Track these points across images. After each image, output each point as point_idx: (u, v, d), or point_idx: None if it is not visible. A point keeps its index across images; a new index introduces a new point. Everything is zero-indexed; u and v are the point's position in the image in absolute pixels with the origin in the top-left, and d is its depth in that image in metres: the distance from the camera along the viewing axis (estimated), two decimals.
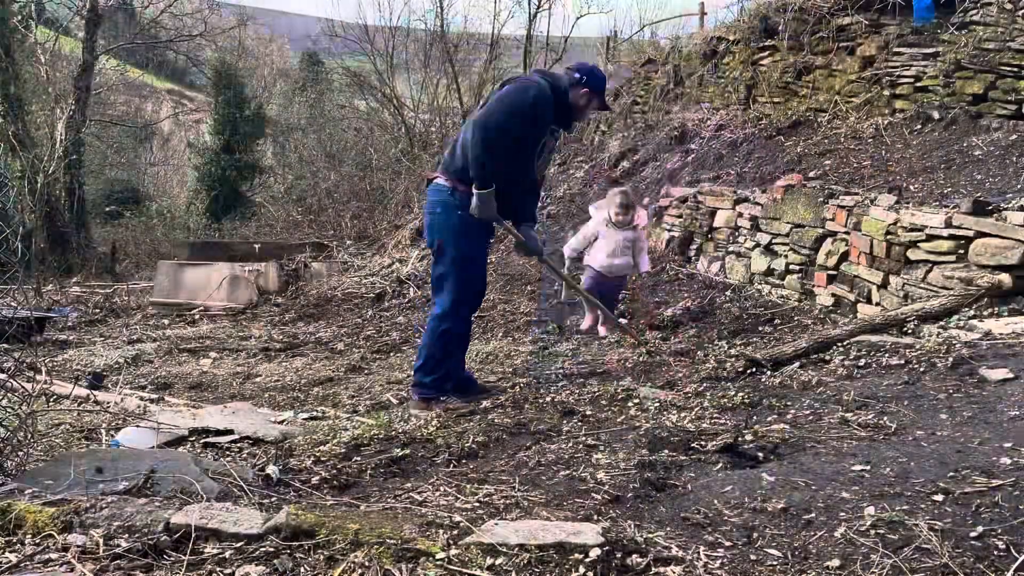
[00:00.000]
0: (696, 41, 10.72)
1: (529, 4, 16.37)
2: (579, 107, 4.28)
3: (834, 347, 4.10)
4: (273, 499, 2.54)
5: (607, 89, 4.29)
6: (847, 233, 5.23)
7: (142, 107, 30.92)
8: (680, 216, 7.21)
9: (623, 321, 5.88)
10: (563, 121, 4.31)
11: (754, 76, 8.96)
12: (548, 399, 3.90)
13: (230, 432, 3.80)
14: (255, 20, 33.30)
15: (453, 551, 1.87)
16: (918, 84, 7.12)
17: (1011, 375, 3.27)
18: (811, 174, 6.63)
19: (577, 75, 4.24)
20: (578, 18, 29.73)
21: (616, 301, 6.06)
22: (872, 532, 2.03)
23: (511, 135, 4.04)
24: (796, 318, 5.31)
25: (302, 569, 1.83)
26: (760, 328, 5.27)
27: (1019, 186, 5.35)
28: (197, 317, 9.06)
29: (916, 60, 7.23)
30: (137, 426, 3.87)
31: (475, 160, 4.02)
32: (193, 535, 1.96)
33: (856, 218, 5.16)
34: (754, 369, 4.00)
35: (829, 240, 5.44)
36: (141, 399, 4.95)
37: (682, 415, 3.36)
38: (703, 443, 2.93)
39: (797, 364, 4.01)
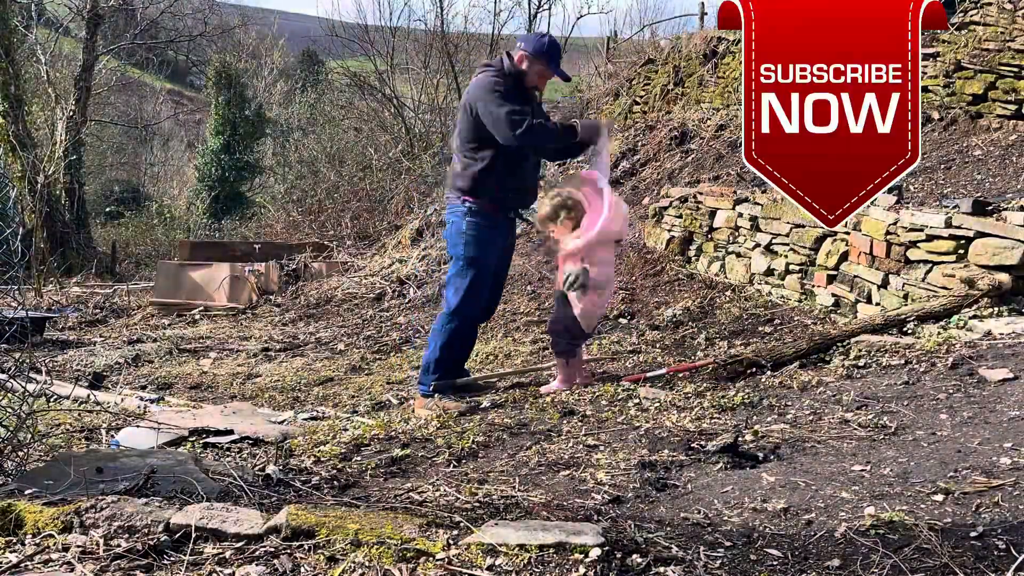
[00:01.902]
0: (696, 41, 10.71)
1: (529, 4, 16.36)
2: (525, 71, 4.28)
3: (834, 347, 4.10)
4: (273, 499, 2.54)
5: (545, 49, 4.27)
6: (847, 233, 5.23)
7: (142, 107, 30.91)
8: (680, 216, 7.20)
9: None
10: (524, 92, 4.30)
11: None
12: (548, 399, 3.90)
13: (230, 432, 3.80)
14: (255, 20, 33.32)
15: (453, 551, 1.87)
16: None
17: (1011, 375, 3.27)
18: None
19: (520, 43, 4.35)
20: (578, 18, 29.69)
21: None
22: (872, 532, 2.03)
23: (516, 106, 4.11)
24: (796, 318, 5.30)
25: (302, 569, 1.83)
26: (760, 328, 5.26)
27: (1019, 186, 5.36)
28: (197, 317, 9.05)
29: None
30: (137, 426, 3.87)
31: (550, 141, 4.17)
32: (193, 535, 1.97)
33: (856, 218, 5.15)
34: (754, 369, 4.00)
35: (829, 240, 5.44)
36: (141, 399, 4.96)
37: (682, 415, 3.36)
38: (703, 443, 2.93)
39: (797, 364, 4.01)
